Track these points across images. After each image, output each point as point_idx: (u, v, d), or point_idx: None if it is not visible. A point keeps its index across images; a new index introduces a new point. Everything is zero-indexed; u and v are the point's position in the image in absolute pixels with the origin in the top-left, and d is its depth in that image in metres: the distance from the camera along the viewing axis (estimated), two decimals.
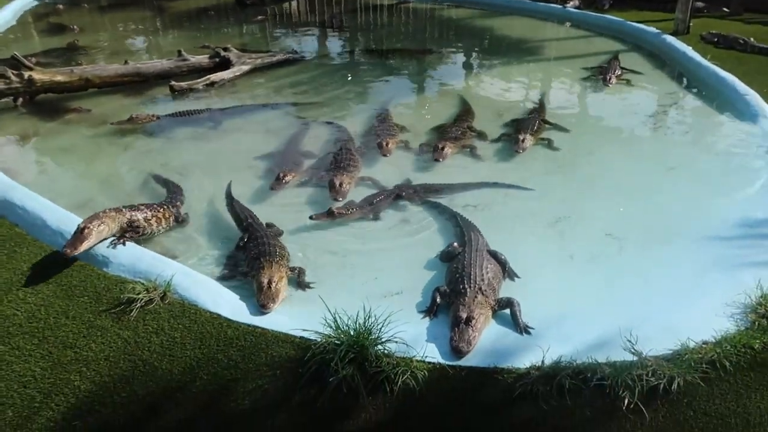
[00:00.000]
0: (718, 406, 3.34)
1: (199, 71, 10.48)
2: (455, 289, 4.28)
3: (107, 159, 7.46)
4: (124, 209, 5.28)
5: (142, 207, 5.47)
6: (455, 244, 5.02)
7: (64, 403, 3.48)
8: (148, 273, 4.55)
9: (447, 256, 4.93)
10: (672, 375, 3.40)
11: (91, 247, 4.79)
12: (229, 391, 3.54)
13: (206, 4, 18.98)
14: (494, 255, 4.81)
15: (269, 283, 4.48)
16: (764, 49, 10.01)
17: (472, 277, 4.30)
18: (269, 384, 3.57)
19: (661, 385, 3.37)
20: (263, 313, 4.25)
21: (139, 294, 4.28)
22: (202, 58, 10.78)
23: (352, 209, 5.74)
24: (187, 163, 7.13)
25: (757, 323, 3.87)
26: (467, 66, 11.94)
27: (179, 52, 10.63)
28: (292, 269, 4.85)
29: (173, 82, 9.64)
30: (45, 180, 6.87)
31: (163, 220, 5.56)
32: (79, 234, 4.75)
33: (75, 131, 8.31)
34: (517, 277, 4.76)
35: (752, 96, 7.92)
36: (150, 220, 5.40)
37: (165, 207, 5.72)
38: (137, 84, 10.01)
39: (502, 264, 4.76)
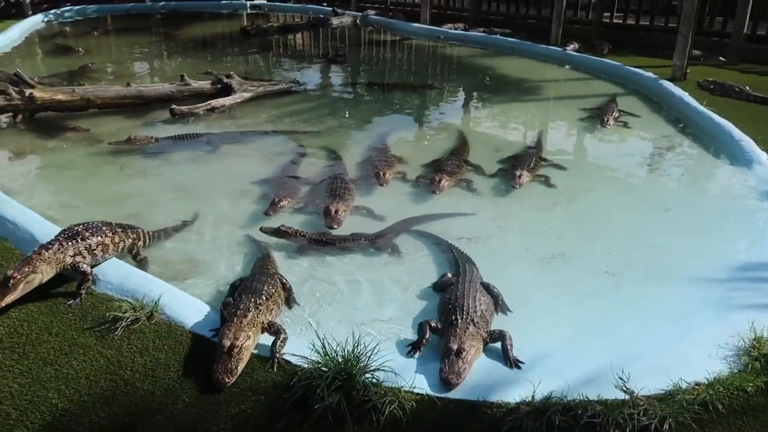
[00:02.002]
0: None
1: (201, 96, 10.55)
2: (447, 319, 4.20)
3: (103, 178, 7.45)
4: (65, 243, 4.63)
5: (87, 234, 4.79)
6: (449, 274, 4.98)
7: (39, 420, 3.38)
8: (135, 292, 4.48)
9: (440, 287, 4.89)
10: (664, 415, 3.33)
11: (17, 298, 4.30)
12: (211, 415, 3.44)
13: (212, 32, 19.31)
14: (487, 288, 4.76)
15: (231, 348, 3.69)
16: (759, 98, 10.16)
17: (464, 308, 4.23)
18: (253, 409, 3.48)
19: (653, 425, 3.29)
20: (216, 389, 3.59)
21: (125, 313, 4.20)
22: (204, 84, 10.88)
23: (302, 234, 5.73)
24: (183, 185, 7.12)
25: (750, 366, 3.81)
26: (467, 103, 12.07)
27: (182, 76, 10.73)
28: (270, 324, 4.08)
29: (174, 106, 9.69)
30: (38, 196, 6.84)
31: (111, 246, 4.96)
32: (4, 286, 4.20)
33: (72, 150, 8.32)
34: (510, 311, 4.71)
35: (747, 142, 7.99)
36: (95, 249, 4.79)
37: (119, 233, 5.09)
38: (138, 106, 10.07)
39: (495, 297, 4.71)
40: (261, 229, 5.76)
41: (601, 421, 3.32)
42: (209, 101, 10.17)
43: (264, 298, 4.20)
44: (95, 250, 4.80)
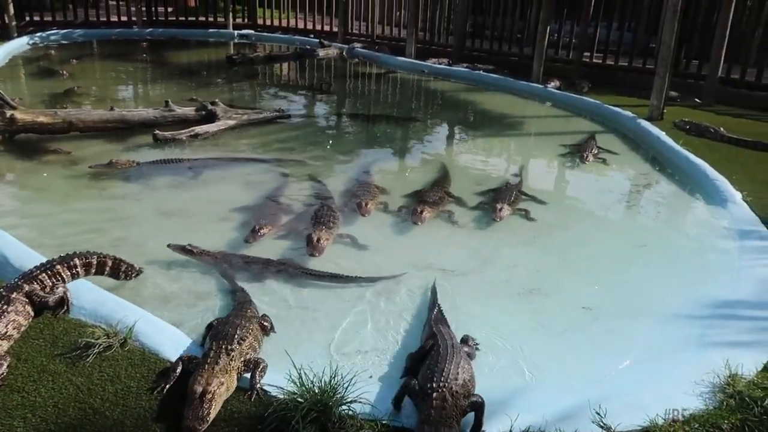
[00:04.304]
0: None
1: (185, 122, 10.51)
2: (423, 386, 3.68)
3: (81, 201, 7.36)
4: None
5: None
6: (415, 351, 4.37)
7: None
8: (109, 318, 4.38)
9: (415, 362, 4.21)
10: None
11: None
12: None
13: (198, 60, 19.41)
14: (465, 342, 4.43)
15: (203, 394, 3.54)
16: (733, 139, 10.42)
17: (444, 373, 3.71)
18: None
19: None
20: None
21: (98, 339, 4.11)
22: (189, 110, 10.87)
23: (208, 254, 5.74)
24: (164, 210, 7.06)
25: (725, 403, 3.83)
26: (450, 136, 12.22)
27: (166, 102, 10.72)
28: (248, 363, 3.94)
29: (157, 131, 9.66)
30: (12, 218, 6.72)
31: (21, 318, 4.26)
32: None
33: (52, 172, 8.22)
34: (478, 349, 4.51)
35: (721, 181, 8.16)
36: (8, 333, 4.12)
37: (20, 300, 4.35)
38: (121, 131, 10.01)
39: (468, 344, 4.41)
40: (168, 246, 5.74)
41: None
42: (193, 127, 10.13)
43: (237, 343, 3.99)
44: (9, 333, 4.15)
